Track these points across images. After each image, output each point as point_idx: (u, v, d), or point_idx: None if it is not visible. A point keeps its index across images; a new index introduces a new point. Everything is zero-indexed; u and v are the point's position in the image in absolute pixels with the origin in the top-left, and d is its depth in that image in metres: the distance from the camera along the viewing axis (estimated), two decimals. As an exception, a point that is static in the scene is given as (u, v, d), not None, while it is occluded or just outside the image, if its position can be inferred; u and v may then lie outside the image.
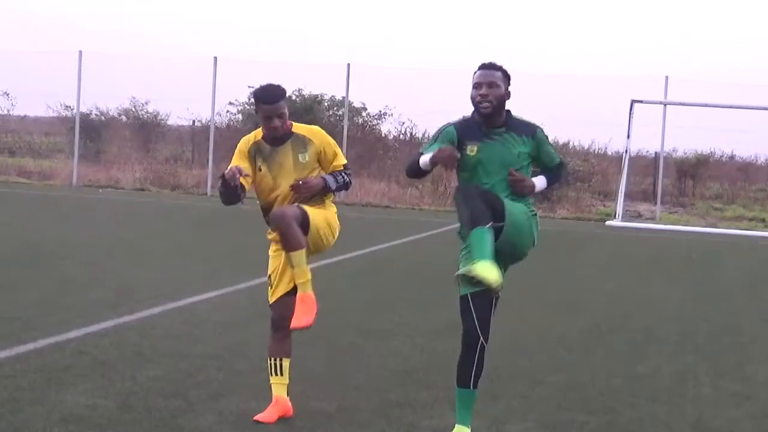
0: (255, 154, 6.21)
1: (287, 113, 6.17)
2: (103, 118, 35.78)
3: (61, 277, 11.30)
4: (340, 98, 31.74)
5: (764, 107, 29.18)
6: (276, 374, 6.15)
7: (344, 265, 13.71)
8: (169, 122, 37.84)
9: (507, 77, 5.75)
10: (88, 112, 34.10)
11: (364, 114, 34.13)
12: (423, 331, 9.24)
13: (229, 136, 33.29)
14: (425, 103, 35.06)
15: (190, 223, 20.81)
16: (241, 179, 6.00)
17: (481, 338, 5.56)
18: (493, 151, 5.70)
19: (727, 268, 16.98)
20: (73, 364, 7.10)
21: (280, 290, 6.15)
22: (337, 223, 6.29)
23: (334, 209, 6.33)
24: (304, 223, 5.98)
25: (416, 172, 5.81)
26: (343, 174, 6.26)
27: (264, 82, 6.21)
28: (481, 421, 6.15)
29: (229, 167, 6.01)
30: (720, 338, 9.75)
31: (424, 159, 5.66)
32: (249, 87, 33.46)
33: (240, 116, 34.08)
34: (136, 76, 35.90)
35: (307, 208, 6.06)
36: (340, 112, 31.51)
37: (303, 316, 5.92)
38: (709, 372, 8.10)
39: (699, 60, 75.08)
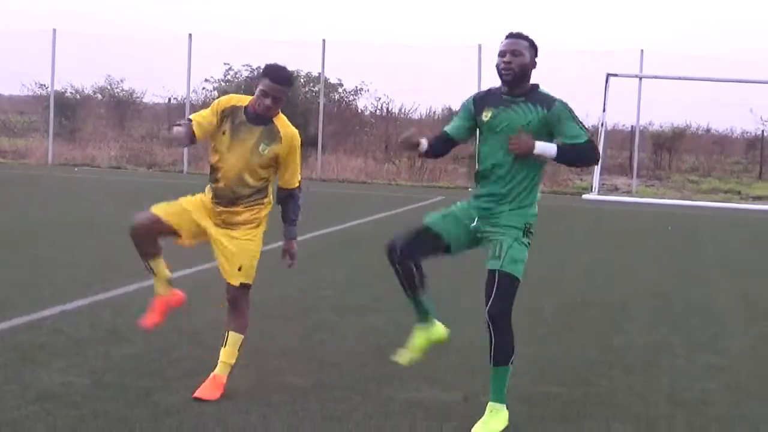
0: (227, 116, 6.11)
1: (282, 104, 6.05)
2: (78, 96, 35.61)
3: (36, 257, 11.24)
4: (316, 74, 31.67)
5: (739, 80, 29.31)
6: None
7: (320, 241, 13.69)
8: (145, 100, 37.75)
9: (534, 47, 5.70)
10: (63, 90, 33.89)
11: (340, 90, 34.09)
12: (399, 307, 9.20)
13: (204, 113, 33.16)
14: (401, 79, 34.99)
15: (167, 200, 20.66)
16: (193, 128, 6.02)
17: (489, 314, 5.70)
18: (504, 118, 5.61)
19: (703, 240, 17.06)
20: (48, 343, 7.07)
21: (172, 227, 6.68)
22: (259, 251, 6.28)
23: (264, 228, 6.29)
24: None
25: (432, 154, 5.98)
26: (298, 204, 6.31)
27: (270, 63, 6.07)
28: (457, 394, 6.18)
29: (185, 121, 6.05)
30: (695, 311, 9.79)
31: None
32: (225, 64, 33.42)
33: (216, 93, 33.90)
34: (111, 54, 35.75)
35: (240, 255, 6.23)
36: (316, 89, 31.42)
37: (210, 391, 5.99)
38: (683, 344, 8.14)
39: (674, 33, 75.29)
